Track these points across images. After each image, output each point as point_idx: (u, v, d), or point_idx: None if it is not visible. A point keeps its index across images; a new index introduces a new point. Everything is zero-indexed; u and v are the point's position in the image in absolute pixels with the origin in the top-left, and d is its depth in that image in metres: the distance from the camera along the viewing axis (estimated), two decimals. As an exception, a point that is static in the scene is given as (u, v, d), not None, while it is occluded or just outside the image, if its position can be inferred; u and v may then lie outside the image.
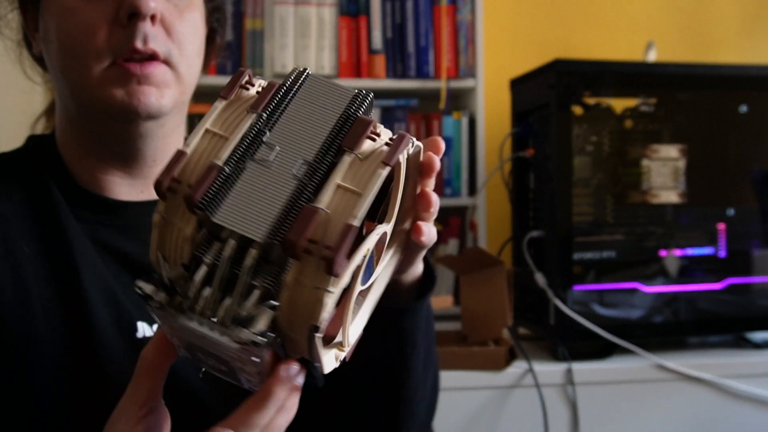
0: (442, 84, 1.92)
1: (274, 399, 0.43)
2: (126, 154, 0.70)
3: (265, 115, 0.43)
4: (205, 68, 0.77)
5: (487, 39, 2.02)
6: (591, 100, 1.50)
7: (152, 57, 0.64)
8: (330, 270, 0.38)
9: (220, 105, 0.43)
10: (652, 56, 1.92)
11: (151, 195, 0.72)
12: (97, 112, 0.67)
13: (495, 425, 1.38)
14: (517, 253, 1.59)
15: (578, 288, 1.46)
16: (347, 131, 0.43)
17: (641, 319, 1.49)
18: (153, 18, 0.64)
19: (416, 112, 1.95)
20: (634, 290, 1.50)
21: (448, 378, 1.13)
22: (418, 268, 0.63)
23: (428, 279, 0.65)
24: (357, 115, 0.44)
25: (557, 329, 1.44)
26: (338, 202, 0.40)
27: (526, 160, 1.58)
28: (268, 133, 0.42)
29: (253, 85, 0.45)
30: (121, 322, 0.65)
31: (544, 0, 2.22)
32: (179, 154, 0.41)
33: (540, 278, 1.46)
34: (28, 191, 0.67)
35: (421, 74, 1.94)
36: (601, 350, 1.45)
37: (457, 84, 1.95)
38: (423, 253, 0.59)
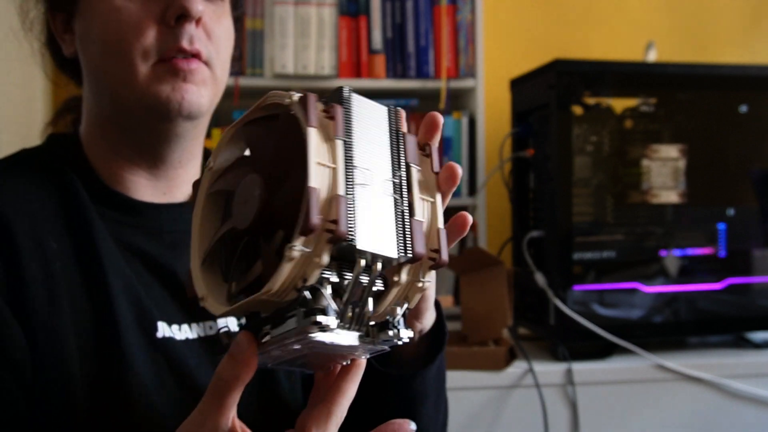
0: (442, 84, 1.92)
1: (352, 393, 0.50)
2: (155, 154, 0.72)
3: (348, 139, 0.46)
4: None
5: (487, 39, 2.02)
6: (591, 100, 1.50)
7: (195, 56, 0.67)
8: (437, 267, 0.47)
9: (314, 134, 0.44)
10: (652, 56, 1.92)
11: (174, 197, 0.74)
12: (139, 110, 0.68)
13: (495, 425, 1.38)
14: (517, 253, 1.59)
15: (578, 288, 1.46)
16: (403, 146, 0.49)
17: (641, 319, 1.49)
18: (198, 20, 0.67)
19: (416, 112, 1.95)
20: (634, 290, 1.50)
21: (448, 378, 1.13)
22: (430, 315, 0.64)
23: (440, 332, 0.67)
24: (401, 131, 0.49)
25: (557, 329, 1.44)
26: (423, 212, 0.48)
27: (526, 160, 1.58)
28: (354, 157, 0.45)
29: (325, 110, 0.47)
30: (143, 321, 0.66)
31: (544, 0, 2.22)
32: (313, 192, 0.42)
33: (540, 278, 1.46)
34: (55, 188, 0.68)
35: (421, 74, 1.94)
36: (601, 350, 1.45)
37: (457, 84, 1.95)
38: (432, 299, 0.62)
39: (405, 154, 0.48)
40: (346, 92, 0.48)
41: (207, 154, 0.81)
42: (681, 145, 1.53)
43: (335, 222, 0.41)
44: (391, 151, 0.48)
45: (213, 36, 0.69)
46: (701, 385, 1.41)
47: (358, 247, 0.42)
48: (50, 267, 0.64)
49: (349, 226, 0.42)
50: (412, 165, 0.48)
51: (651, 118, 1.53)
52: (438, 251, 0.47)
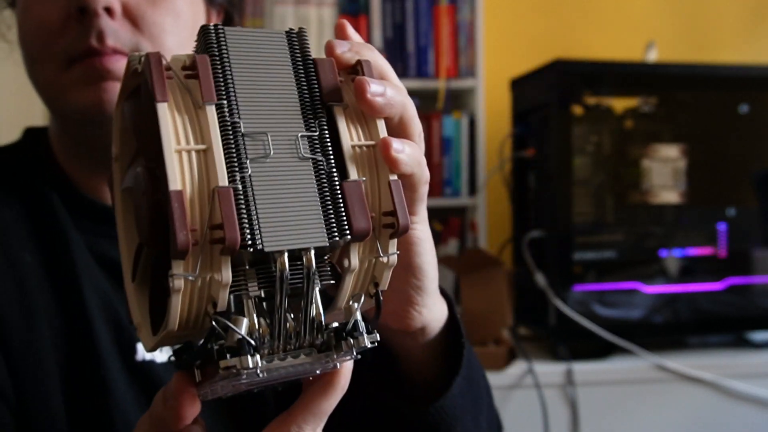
0: (442, 84, 1.92)
1: (343, 387, 0.39)
2: (109, 161, 0.67)
3: (225, 101, 0.33)
4: None
5: (487, 39, 2.02)
6: (591, 100, 1.50)
7: (114, 53, 0.57)
8: (399, 233, 0.36)
9: (166, 112, 0.32)
10: (653, 56, 1.92)
11: None
12: (67, 117, 0.61)
13: (495, 425, 1.38)
14: (517, 253, 1.59)
15: (578, 288, 1.46)
16: (316, 81, 0.36)
17: (641, 319, 1.49)
18: (110, 12, 0.56)
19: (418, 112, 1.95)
20: (634, 290, 1.50)
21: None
22: (432, 301, 0.49)
23: (455, 334, 0.53)
24: (311, 58, 0.36)
25: (557, 329, 1.44)
26: (361, 165, 0.36)
27: (526, 160, 1.58)
28: (240, 121, 0.33)
29: (169, 69, 0.33)
30: (122, 343, 0.60)
31: (544, 0, 2.22)
32: (177, 196, 0.31)
33: (540, 278, 1.46)
34: (27, 196, 0.63)
35: (421, 74, 1.94)
36: (601, 350, 1.45)
37: (457, 84, 1.94)
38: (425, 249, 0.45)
39: (320, 90, 0.36)
40: (211, 32, 0.34)
41: None
42: (681, 145, 1.53)
43: (220, 227, 0.31)
44: (300, 94, 0.35)
45: (143, 24, 0.58)
46: (701, 385, 1.41)
47: (266, 249, 0.32)
48: (25, 284, 0.59)
49: (244, 225, 0.31)
50: (332, 103, 0.36)
51: (651, 118, 1.53)
52: (394, 213, 0.35)
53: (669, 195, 1.52)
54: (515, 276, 1.56)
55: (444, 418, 0.52)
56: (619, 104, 1.53)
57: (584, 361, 1.42)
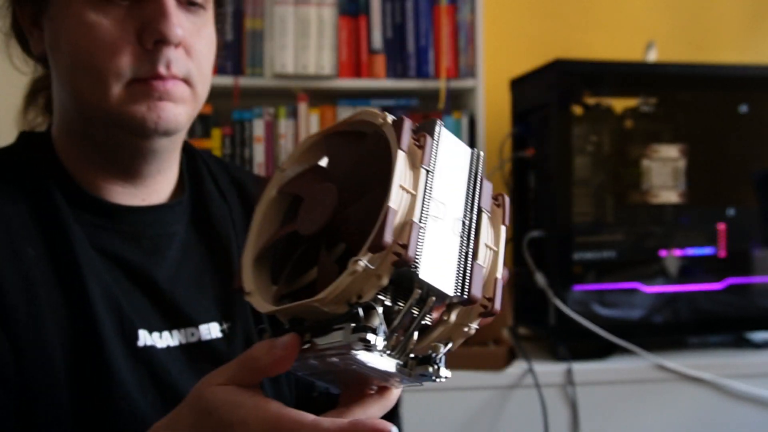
0: (442, 84, 1.92)
1: (391, 402, 0.49)
2: (130, 169, 0.69)
3: (432, 171, 0.45)
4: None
5: (487, 39, 2.02)
6: (591, 100, 1.50)
7: (173, 78, 0.64)
8: (487, 315, 0.47)
9: (402, 158, 0.44)
10: (653, 56, 1.92)
11: (152, 201, 0.71)
12: (112, 127, 0.66)
13: (495, 425, 1.38)
14: (517, 253, 1.59)
15: (578, 288, 1.46)
16: (479, 191, 0.49)
17: (641, 319, 1.49)
18: (177, 44, 0.64)
19: (416, 112, 1.95)
20: (634, 290, 1.50)
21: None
22: None
23: None
24: (481, 176, 0.50)
25: (557, 329, 1.44)
26: (485, 258, 0.48)
27: (526, 160, 1.58)
28: (433, 189, 0.45)
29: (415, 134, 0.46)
30: (124, 329, 0.64)
31: (544, 0, 2.22)
32: (391, 211, 0.42)
33: (540, 278, 1.46)
34: (28, 192, 0.66)
35: (421, 74, 1.94)
36: (601, 350, 1.45)
37: (457, 84, 1.94)
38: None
39: (480, 198, 0.49)
40: (437, 126, 0.47)
41: (191, 153, 0.79)
42: (681, 145, 1.53)
43: (405, 246, 0.41)
44: (467, 193, 0.48)
45: (193, 52, 0.66)
46: (701, 385, 1.41)
47: (420, 276, 0.43)
48: (29, 275, 0.62)
49: (417, 253, 0.42)
50: (484, 210, 0.49)
51: (651, 118, 1.53)
52: (492, 300, 0.47)
53: (669, 195, 1.52)
54: (515, 276, 1.56)
55: None
56: (619, 104, 1.53)
57: (584, 361, 1.42)
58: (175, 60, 0.64)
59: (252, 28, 1.94)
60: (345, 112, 1.95)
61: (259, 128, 1.98)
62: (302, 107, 1.96)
